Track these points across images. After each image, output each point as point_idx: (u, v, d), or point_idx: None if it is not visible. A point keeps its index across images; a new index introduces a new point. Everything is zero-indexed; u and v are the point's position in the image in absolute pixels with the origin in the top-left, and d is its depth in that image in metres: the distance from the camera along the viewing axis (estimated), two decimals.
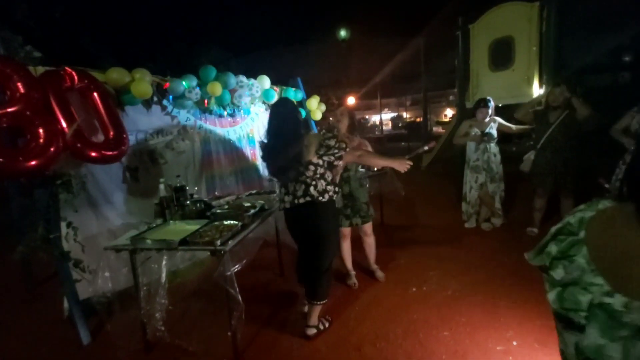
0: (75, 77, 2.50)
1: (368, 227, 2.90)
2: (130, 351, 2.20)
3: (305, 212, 2.10)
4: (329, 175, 2.14)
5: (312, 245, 2.19)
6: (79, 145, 2.36)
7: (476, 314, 2.37)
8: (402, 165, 2.22)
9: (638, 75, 4.36)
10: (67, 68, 2.47)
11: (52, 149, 2.19)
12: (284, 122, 2.09)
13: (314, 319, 2.29)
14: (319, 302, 2.24)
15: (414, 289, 2.78)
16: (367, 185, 2.97)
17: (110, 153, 2.54)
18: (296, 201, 2.08)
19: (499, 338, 2.11)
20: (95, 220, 2.61)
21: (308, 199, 2.05)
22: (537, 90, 4.09)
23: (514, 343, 2.06)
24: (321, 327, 2.33)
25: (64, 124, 2.30)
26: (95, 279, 2.11)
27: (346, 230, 2.88)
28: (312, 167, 2.06)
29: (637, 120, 2.80)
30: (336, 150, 2.06)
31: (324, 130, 2.37)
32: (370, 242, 2.97)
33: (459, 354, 2.01)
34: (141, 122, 3.03)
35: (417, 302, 2.59)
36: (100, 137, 2.57)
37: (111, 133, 2.61)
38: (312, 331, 2.28)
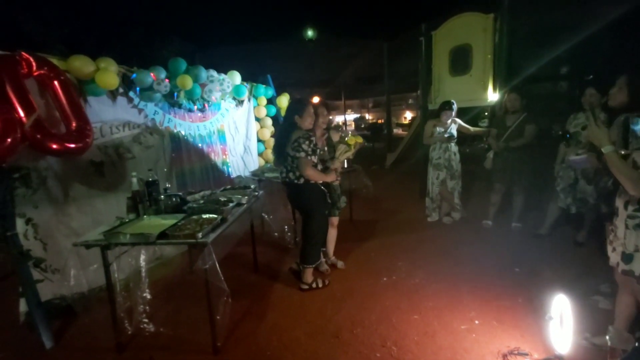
0: (34, 64, 2.33)
1: (335, 219, 3.09)
2: (100, 352, 2.10)
3: (289, 189, 2.71)
4: None
5: (302, 217, 2.76)
6: (38, 136, 2.21)
7: (442, 299, 2.57)
8: (332, 178, 2.73)
9: (573, 85, 4.93)
10: (23, 53, 2.30)
11: (8, 140, 2.02)
12: (285, 118, 2.71)
13: (306, 278, 2.77)
14: (305, 266, 2.74)
15: (384, 279, 2.93)
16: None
17: (74, 145, 2.39)
18: (283, 180, 2.69)
19: (463, 318, 2.31)
20: (56, 216, 2.44)
21: (287, 180, 2.62)
22: (491, 95, 4.47)
23: (476, 322, 2.27)
24: (314, 285, 2.77)
25: (21, 113, 2.14)
26: (62, 278, 1.99)
27: (334, 220, 3.07)
28: (289, 158, 2.56)
29: (574, 125, 3.18)
30: (300, 150, 2.47)
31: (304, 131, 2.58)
32: (333, 234, 3.14)
33: (429, 335, 2.17)
34: (105, 113, 2.88)
35: (388, 290, 2.74)
36: (62, 129, 2.42)
37: (73, 124, 2.46)
38: (304, 287, 2.76)
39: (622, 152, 1.42)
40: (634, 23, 4.08)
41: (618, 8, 4.02)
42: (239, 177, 4.36)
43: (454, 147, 4.10)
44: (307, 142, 2.49)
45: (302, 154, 2.47)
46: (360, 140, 2.81)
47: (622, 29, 4.20)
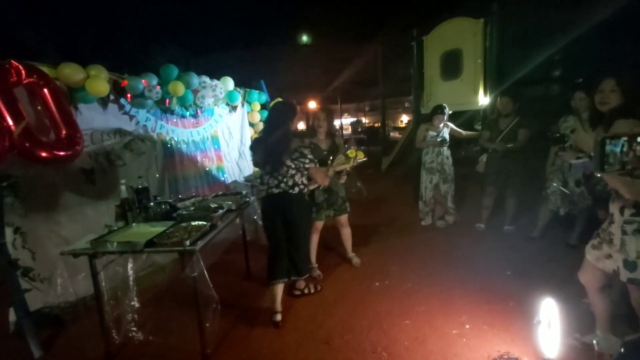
0: (23, 72, 2.33)
1: (343, 218, 3.15)
2: None
3: (277, 199, 2.42)
4: (299, 177, 2.42)
5: (288, 230, 2.48)
6: (27, 144, 2.20)
7: (433, 303, 2.57)
8: (324, 180, 2.59)
9: (565, 88, 4.98)
10: (13, 61, 2.30)
11: None
12: (278, 123, 2.40)
13: (298, 284, 2.77)
14: (303, 279, 2.67)
15: (377, 284, 2.93)
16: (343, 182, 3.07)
17: (63, 153, 2.39)
18: (270, 191, 2.41)
19: (454, 323, 2.31)
20: (46, 225, 2.42)
21: (280, 190, 2.39)
22: (482, 98, 4.51)
23: (467, 326, 2.27)
24: (306, 291, 2.79)
25: (10, 122, 2.14)
26: (50, 287, 1.98)
27: (319, 224, 3.04)
28: (285, 168, 2.37)
29: (563, 127, 3.21)
30: (307, 160, 2.38)
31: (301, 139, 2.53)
32: (346, 232, 3.26)
33: (419, 340, 2.17)
34: (96, 121, 2.88)
35: (381, 295, 2.74)
36: (52, 137, 2.42)
37: (63, 132, 2.46)
38: (297, 292, 2.78)
39: (598, 175, 1.41)
40: (622, 25, 4.15)
41: (607, 11, 4.08)
42: (234, 182, 4.36)
43: (446, 151, 4.13)
44: (307, 150, 2.44)
45: (310, 163, 2.41)
46: (361, 155, 2.69)
47: (612, 32, 4.26)
